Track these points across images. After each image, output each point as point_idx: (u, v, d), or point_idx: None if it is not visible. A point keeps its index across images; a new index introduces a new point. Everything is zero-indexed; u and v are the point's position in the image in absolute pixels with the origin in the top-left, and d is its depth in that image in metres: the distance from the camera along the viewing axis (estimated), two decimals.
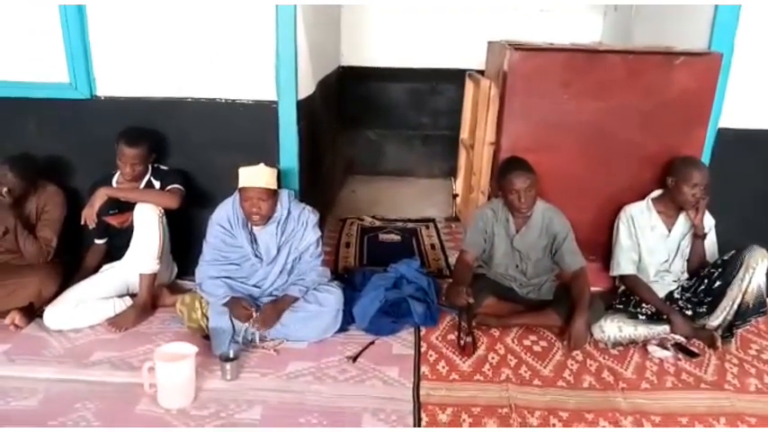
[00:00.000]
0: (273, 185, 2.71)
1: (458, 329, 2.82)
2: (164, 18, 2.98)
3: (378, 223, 4.51)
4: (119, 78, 3.09)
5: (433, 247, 4.09)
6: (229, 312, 2.68)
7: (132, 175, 2.93)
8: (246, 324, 2.68)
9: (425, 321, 2.91)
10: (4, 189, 2.81)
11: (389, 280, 3.03)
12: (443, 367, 2.62)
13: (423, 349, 2.75)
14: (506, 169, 2.86)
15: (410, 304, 2.91)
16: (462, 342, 2.75)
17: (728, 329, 2.77)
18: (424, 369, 2.60)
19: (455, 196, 4.57)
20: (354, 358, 2.66)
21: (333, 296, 2.82)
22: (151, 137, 3.00)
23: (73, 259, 3.11)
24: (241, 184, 2.68)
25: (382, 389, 2.46)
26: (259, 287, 2.82)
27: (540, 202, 2.92)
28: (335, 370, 2.58)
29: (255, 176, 2.66)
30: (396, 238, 4.26)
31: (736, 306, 2.71)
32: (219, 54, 3.02)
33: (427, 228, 4.45)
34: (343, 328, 2.85)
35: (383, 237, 4.27)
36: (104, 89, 3.11)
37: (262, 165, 2.69)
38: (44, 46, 3.04)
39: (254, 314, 2.68)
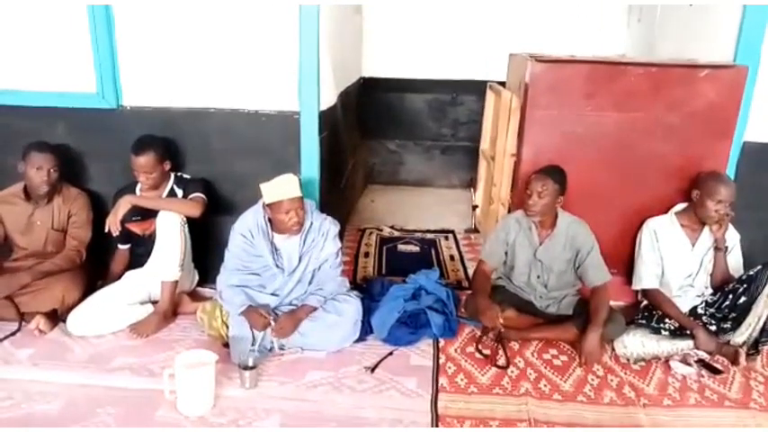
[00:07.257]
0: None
1: (479, 339, 2.83)
2: (188, 30, 3.03)
3: (397, 233, 4.51)
4: (144, 89, 3.15)
5: (452, 258, 4.08)
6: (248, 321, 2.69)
7: (148, 183, 2.95)
8: (263, 333, 2.68)
9: (444, 333, 2.90)
10: (52, 169, 2.92)
11: (408, 291, 3.03)
12: (462, 379, 2.60)
13: (441, 361, 2.74)
14: (539, 170, 2.88)
15: (429, 315, 2.90)
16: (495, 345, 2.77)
17: (754, 346, 2.72)
18: (443, 381, 2.58)
19: (475, 207, 4.56)
20: (372, 369, 2.65)
21: (351, 306, 2.83)
22: (159, 144, 2.98)
23: (96, 266, 3.16)
24: (273, 198, 2.63)
25: (400, 400, 2.45)
26: (277, 295, 2.82)
27: (566, 216, 2.90)
28: (353, 380, 2.58)
29: (288, 187, 2.64)
30: (415, 248, 4.25)
31: (761, 323, 2.66)
32: (243, 65, 3.07)
33: (446, 239, 4.44)
34: (361, 338, 2.85)
35: (402, 247, 4.26)
36: (130, 99, 3.17)
37: (290, 174, 2.69)
38: (73, 57, 3.11)
39: (272, 322, 2.68)
